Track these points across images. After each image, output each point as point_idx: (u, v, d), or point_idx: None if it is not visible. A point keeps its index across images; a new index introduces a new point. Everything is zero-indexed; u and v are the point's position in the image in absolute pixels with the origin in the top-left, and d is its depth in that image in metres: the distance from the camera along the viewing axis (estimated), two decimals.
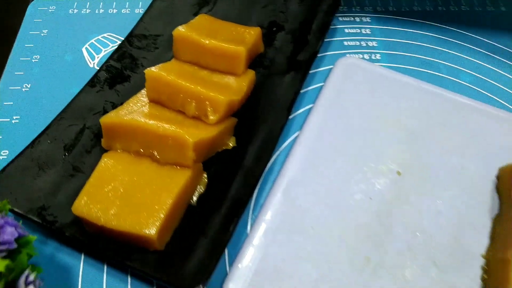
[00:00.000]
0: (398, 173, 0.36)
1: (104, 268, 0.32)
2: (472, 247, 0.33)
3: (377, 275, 0.31)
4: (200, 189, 0.33)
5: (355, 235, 0.33)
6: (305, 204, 0.34)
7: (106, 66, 0.40)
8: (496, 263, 0.31)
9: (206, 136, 0.32)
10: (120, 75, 0.40)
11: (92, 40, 0.46)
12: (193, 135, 0.31)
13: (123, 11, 0.50)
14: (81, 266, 0.32)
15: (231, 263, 0.32)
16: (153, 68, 0.35)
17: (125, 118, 0.33)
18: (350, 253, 0.32)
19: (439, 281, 0.31)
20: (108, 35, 0.47)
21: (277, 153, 0.38)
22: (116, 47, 0.43)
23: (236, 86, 0.37)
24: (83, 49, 0.46)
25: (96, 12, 0.49)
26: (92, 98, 0.38)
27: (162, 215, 0.29)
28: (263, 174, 0.36)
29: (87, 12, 0.49)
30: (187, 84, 0.34)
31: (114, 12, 0.50)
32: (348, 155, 0.37)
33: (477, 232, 0.33)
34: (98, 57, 0.45)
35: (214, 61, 0.37)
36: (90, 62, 0.45)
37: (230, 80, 0.37)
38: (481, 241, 0.33)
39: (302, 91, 0.42)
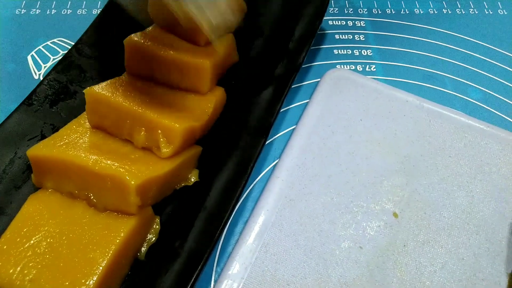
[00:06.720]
0: (395, 214, 0.30)
1: None
2: None
3: None
4: (151, 238, 0.27)
5: None
6: (281, 254, 0.28)
7: (47, 79, 0.34)
8: None
9: (156, 175, 0.26)
10: (64, 90, 0.34)
11: (40, 46, 0.40)
12: (137, 175, 0.25)
13: (78, 12, 0.43)
14: None
15: None
16: (95, 87, 0.28)
17: (54, 151, 0.26)
18: None
19: None
20: (59, 40, 0.40)
21: (250, 187, 0.32)
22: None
23: (200, 108, 0.30)
24: (29, 57, 0.39)
25: (48, 13, 0.43)
26: (28, 120, 0.32)
27: (92, 283, 0.23)
28: (232, 216, 0.30)
29: (37, 12, 0.43)
30: (135, 107, 0.27)
31: (68, 13, 0.43)
32: (334, 193, 0.31)
33: None
34: (45, 67, 0.38)
35: (173, 77, 0.31)
36: (36, 73, 0.38)
37: (193, 100, 0.31)
38: None
39: (282, 110, 0.36)
